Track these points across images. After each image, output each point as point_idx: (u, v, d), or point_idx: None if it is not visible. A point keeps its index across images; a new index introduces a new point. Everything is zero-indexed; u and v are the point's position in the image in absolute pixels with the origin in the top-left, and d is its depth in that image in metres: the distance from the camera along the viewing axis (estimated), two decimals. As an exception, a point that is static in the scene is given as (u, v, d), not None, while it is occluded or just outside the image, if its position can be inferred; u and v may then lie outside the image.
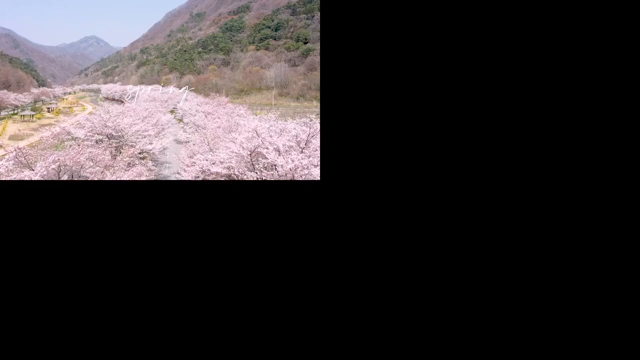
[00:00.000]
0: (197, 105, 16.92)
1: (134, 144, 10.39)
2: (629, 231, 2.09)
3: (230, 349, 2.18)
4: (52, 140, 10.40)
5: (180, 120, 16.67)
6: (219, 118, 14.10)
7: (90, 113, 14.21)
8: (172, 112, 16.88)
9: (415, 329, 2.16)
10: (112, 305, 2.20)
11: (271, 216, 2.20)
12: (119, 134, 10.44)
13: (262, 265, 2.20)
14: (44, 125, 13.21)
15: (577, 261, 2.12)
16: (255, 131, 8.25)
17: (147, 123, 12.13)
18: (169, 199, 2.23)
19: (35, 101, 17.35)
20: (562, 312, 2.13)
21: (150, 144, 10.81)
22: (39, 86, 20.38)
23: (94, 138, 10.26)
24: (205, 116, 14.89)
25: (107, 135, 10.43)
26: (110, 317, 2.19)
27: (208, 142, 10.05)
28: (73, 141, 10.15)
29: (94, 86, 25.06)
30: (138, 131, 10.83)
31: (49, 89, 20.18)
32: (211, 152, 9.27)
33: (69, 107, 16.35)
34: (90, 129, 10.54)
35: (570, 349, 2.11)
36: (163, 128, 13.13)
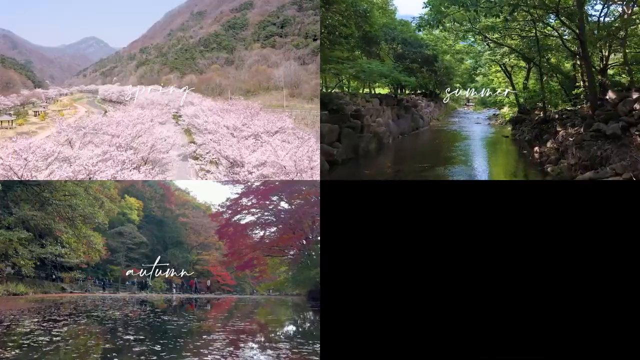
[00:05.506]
0: (210, 110, 12.51)
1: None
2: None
3: None
4: None
5: (188, 132, 13.25)
6: (258, 139, 8.70)
7: (81, 117, 12.67)
8: (174, 117, 15.02)
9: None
10: None
11: None
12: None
13: None
14: (22, 133, 11.60)
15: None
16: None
17: (136, 153, 7.16)
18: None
19: (24, 104, 16.16)
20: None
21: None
22: (35, 87, 19.47)
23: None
24: (236, 138, 9.03)
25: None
26: None
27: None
28: None
29: (92, 87, 24.36)
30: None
31: (42, 91, 19.15)
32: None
33: (59, 111, 15.12)
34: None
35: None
36: (163, 157, 8.09)
